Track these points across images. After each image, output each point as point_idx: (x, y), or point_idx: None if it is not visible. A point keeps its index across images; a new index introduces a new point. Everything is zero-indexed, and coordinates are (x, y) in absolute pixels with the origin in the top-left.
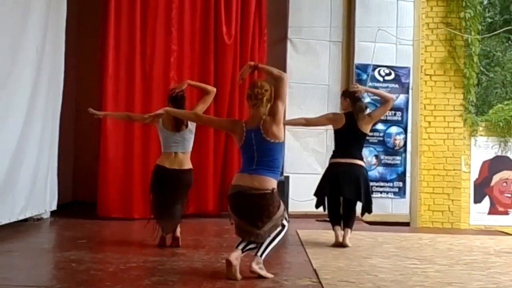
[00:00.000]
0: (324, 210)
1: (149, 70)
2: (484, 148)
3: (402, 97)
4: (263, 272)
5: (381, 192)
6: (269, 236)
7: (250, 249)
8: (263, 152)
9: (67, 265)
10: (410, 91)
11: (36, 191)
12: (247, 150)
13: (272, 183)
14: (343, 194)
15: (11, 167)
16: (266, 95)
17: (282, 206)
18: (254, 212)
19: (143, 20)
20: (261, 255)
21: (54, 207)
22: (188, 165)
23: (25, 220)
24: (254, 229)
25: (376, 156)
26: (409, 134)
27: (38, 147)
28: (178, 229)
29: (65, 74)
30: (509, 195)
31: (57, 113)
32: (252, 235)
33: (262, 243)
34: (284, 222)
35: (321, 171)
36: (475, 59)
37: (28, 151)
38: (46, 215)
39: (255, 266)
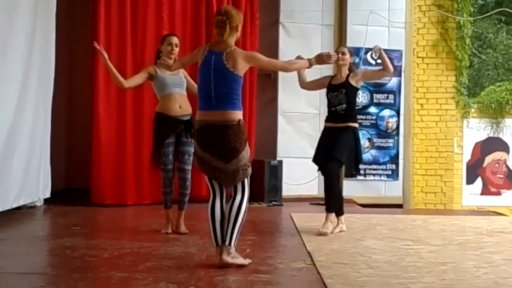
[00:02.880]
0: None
1: (140, 56)
2: (476, 129)
3: (394, 80)
4: (239, 261)
5: (374, 174)
6: (234, 181)
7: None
8: (220, 80)
9: (62, 252)
10: (403, 74)
11: (29, 178)
12: (204, 76)
13: (236, 115)
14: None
15: (4, 156)
16: (230, 23)
17: (247, 147)
18: (222, 143)
19: (133, 6)
20: (229, 243)
21: (47, 195)
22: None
23: (19, 208)
24: (221, 163)
25: (369, 139)
26: (401, 117)
27: (30, 135)
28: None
29: (56, 61)
30: (501, 176)
31: (48, 100)
32: (218, 172)
33: (226, 231)
34: (248, 172)
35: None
36: (467, 41)
37: (20, 139)
38: (40, 203)
39: (226, 258)
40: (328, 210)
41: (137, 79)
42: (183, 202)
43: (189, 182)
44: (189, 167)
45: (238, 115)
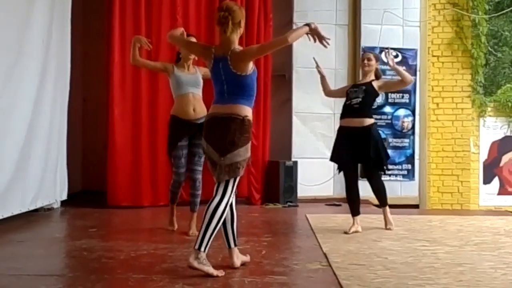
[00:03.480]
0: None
1: (155, 58)
2: (493, 128)
3: None
4: (205, 268)
5: (390, 175)
6: (225, 176)
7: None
8: (232, 84)
9: (79, 254)
10: (418, 73)
11: (46, 181)
12: (217, 79)
13: (244, 110)
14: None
15: (21, 158)
16: (233, 19)
17: (248, 148)
18: (222, 135)
19: (148, 8)
20: (199, 248)
21: (64, 197)
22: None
23: (36, 210)
24: (216, 156)
25: (384, 139)
26: (417, 116)
27: (47, 138)
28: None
29: (72, 63)
30: None
31: (64, 103)
32: (214, 166)
33: (199, 232)
34: (240, 171)
35: (329, 155)
36: (483, 39)
37: (37, 142)
38: (57, 205)
39: (193, 261)
40: (382, 205)
41: (149, 62)
42: (194, 203)
43: (199, 182)
44: (200, 168)
45: (246, 110)
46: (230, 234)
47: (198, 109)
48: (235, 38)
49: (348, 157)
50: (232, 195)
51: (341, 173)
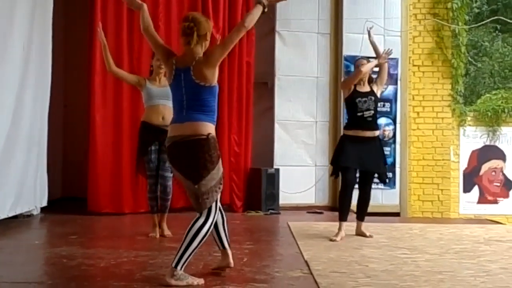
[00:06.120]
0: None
1: (137, 65)
2: (472, 137)
3: (390, 88)
4: (184, 282)
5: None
6: (204, 205)
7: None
8: (193, 95)
9: (58, 261)
10: (399, 82)
11: (26, 187)
12: (176, 92)
13: (206, 127)
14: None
15: (0, 164)
16: (198, 30)
17: (219, 165)
18: (189, 162)
19: (130, 15)
20: (175, 266)
21: (44, 204)
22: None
23: (15, 217)
24: (191, 184)
25: None
26: (398, 125)
27: (27, 144)
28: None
29: (53, 70)
30: (498, 184)
31: (45, 109)
32: (190, 193)
33: (179, 249)
34: (218, 194)
35: (311, 163)
36: (463, 49)
37: (17, 148)
38: (36, 212)
39: (169, 280)
40: (362, 219)
41: (125, 74)
42: (165, 206)
43: (169, 189)
44: (169, 174)
45: (208, 127)
46: (223, 236)
47: (167, 117)
48: (200, 50)
49: (354, 162)
50: (216, 214)
51: (333, 177)
